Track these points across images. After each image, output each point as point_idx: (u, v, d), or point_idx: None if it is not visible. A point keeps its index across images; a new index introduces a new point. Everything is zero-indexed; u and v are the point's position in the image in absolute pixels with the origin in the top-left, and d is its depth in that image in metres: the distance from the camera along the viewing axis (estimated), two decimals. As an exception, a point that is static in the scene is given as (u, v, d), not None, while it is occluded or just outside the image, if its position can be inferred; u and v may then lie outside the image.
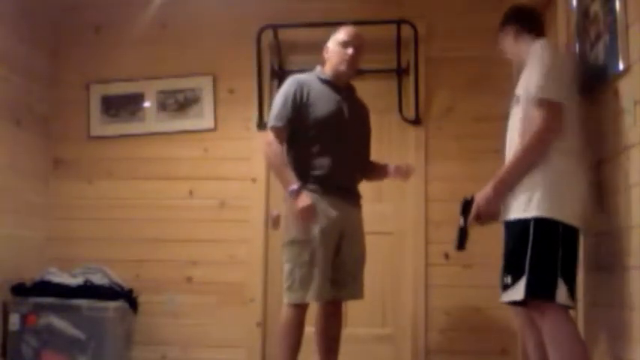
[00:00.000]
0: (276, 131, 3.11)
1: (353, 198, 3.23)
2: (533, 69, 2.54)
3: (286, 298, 3.06)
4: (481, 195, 2.63)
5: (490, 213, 2.64)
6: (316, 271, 3.00)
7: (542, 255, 2.43)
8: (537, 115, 2.48)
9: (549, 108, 2.47)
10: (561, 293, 2.40)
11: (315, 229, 3.02)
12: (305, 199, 3.00)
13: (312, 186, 3.08)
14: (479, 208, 2.63)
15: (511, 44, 2.83)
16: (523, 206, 2.49)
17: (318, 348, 3.20)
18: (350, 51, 3.18)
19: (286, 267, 3.07)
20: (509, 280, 2.49)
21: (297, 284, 3.01)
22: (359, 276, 3.20)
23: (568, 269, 2.45)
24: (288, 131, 3.13)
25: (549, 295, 2.40)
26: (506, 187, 2.56)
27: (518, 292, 2.44)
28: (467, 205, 2.68)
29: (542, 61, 2.52)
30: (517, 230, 2.50)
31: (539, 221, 2.44)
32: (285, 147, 3.18)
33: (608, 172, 2.58)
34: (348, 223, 3.15)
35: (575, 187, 2.52)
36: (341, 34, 3.22)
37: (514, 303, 2.54)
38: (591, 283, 2.68)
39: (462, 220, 2.69)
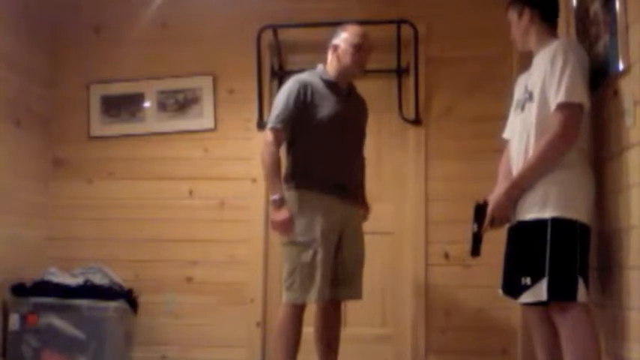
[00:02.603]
0: (276, 133, 3.08)
1: (353, 198, 3.22)
2: (555, 71, 2.48)
3: (285, 298, 3.05)
4: (494, 200, 2.63)
5: (503, 217, 2.64)
6: (318, 273, 2.99)
7: (562, 255, 2.43)
8: (556, 120, 2.46)
9: (571, 111, 2.45)
10: (582, 292, 2.42)
11: (317, 230, 3.02)
12: (283, 212, 3.01)
13: (313, 186, 3.07)
14: (493, 213, 2.62)
15: (522, 29, 2.72)
16: (538, 206, 2.49)
17: (317, 348, 3.20)
18: (364, 55, 3.17)
19: (286, 267, 3.06)
20: (528, 281, 2.48)
21: (298, 285, 3.00)
22: (358, 276, 3.20)
23: (584, 266, 2.46)
24: (288, 133, 3.12)
25: (571, 295, 2.41)
26: (520, 191, 2.56)
27: (539, 293, 2.44)
28: (479, 210, 2.67)
29: (569, 64, 2.46)
30: (533, 231, 2.50)
31: (556, 221, 2.44)
32: (286, 146, 3.18)
33: (608, 172, 2.58)
34: (348, 223, 3.15)
35: (586, 185, 2.52)
36: (352, 36, 3.16)
37: (535, 303, 2.54)
38: (591, 282, 2.68)
39: (475, 226, 2.69)
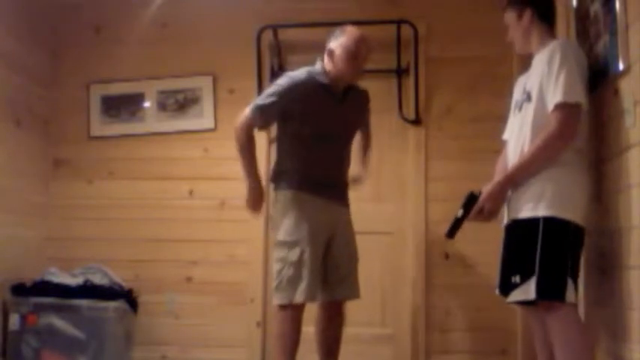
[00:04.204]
0: (252, 119, 3.09)
1: (342, 198, 3.21)
2: (552, 71, 2.47)
3: (275, 299, 3.05)
4: (487, 190, 2.62)
5: (493, 210, 2.64)
6: (305, 271, 2.98)
7: (552, 255, 2.42)
8: (554, 119, 2.45)
9: (569, 112, 2.44)
10: (570, 292, 2.41)
11: (304, 230, 3.01)
12: (254, 201, 3.19)
13: (301, 186, 3.07)
14: (483, 204, 2.61)
15: (522, 30, 2.69)
16: (532, 205, 2.48)
17: (318, 349, 3.20)
18: (359, 62, 3.12)
19: (276, 267, 3.08)
20: (517, 279, 2.48)
21: (285, 284, 3.00)
22: (353, 275, 3.19)
23: (575, 268, 2.45)
24: (262, 127, 3.17)
25: (560, 295, 2.40)
26: (513, 185, 2.56)
27: (528, 292, 2.44)
28: (471, 200, 2.66)
29: (567, 64, 2.46)
30: (525, 229, 2.49)
31: (548, 220, 2.44)
32: (275, 146, 3.22)
33: (608, 172, 2.58)
34: (337, 223, 3.14)
35: (582, 186, 2.52)
36: (350, 42, 3.09)
37: (522, 302, 2.54)
38: (591, 282, 2.68)
39: (460, 212, 2.68)
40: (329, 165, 3.13)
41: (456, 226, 2.71)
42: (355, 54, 3.10)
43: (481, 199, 2.63)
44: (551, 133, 2.46)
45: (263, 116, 3.10)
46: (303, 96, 3.08)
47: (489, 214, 2.64)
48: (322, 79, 3.14)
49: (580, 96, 2.46)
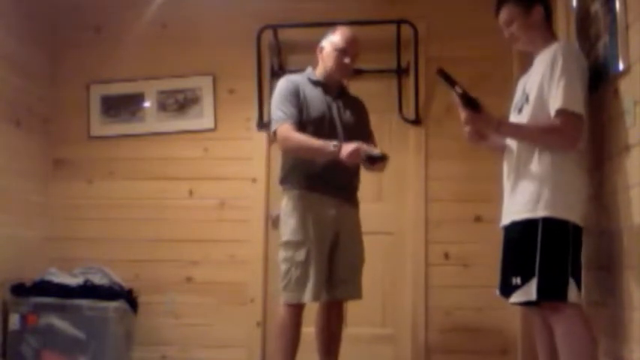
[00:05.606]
0: (289, 126, 3.04)
1: (349, 197, 3.21)
2: (554, 76, 2.46)
3: (283, 298, 3.06)
4: (486, 115, 2.58)
5: (471, 128, 2.65)
6: (312, 271, 3.00)
7: (552, 255, 2.42)
8: (558, 122, 2.45)
9: (570, 119, 2.44)
10: (572, 292, 2.40)
11: (309, 229, 3.02)
12: (347, 147, 2.91)
13: (305, 185, 3.07)
14: (474, 118, 2.59)
15: (529, 26, 2.63)
16: (530, 206, 2.48)
17: (318, 348, 3.20)
18: (347, 60, 3.14)
19: (282, 267, 3.08)
20: (518, 280, 2.48)
21: (293, 284, 3.01)
22: (357, 276, 3.19)
23: (576, 267, 2.45)
24: (295, 121, 3.07)
25: (562, 295, 2.40)
26: (494, 130, 2.59)
27: (529, 293, 2.44)
28: (473, 102, 2.60)
29: (568, 71, 2.45)
30: (524, 230, 2.49)
31: (547, 221, 2.44)
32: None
33: (608, 172, 2.58)
34: (344, 222, 3.14)
35: (580, 186, 2.52)
36: (338, 39, 3.16)
37: (525, 303, 2.54)
38: (591, 282, 2.68)
39: (460, 90, 2.65)
40: (331, 163, 3.12)
41: (450, 80, 2.67)
42: (343, 50, 3.14)
43: (482, 114, 2.57)
44: (556, 128, 2.44)
45: (292, 113, 3.05)
46: (302, 92, 3.12)
47: (467, 125, 2.62)
48: (315, 77, 3.21)
49: (579, 106, 2.45)
